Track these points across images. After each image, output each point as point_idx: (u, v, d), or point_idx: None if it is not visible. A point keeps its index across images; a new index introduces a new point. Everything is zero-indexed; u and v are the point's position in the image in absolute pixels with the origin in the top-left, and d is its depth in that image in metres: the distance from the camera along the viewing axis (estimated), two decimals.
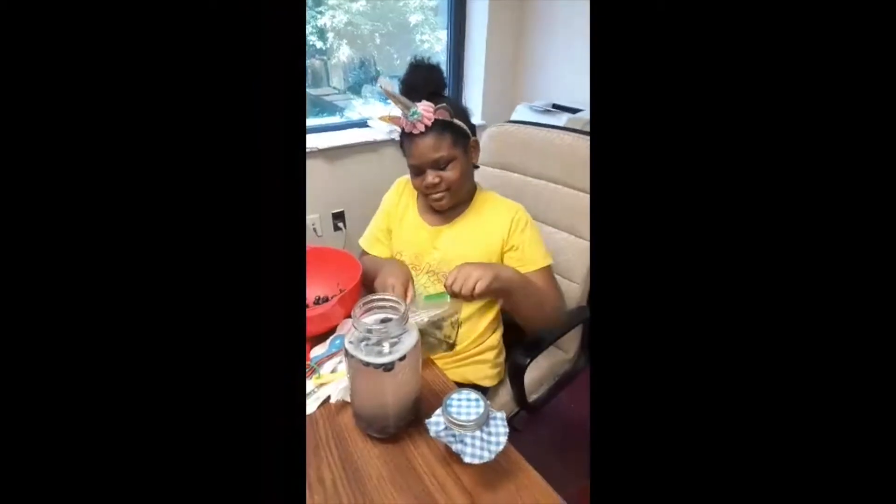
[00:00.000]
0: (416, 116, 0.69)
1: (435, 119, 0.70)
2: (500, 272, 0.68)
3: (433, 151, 0.72)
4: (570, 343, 0.98)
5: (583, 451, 0.52)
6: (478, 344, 0.83)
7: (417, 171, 0.77)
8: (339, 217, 1.85)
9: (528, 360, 0.79)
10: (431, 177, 0.75)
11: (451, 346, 0.83)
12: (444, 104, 0.72)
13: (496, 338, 0.85)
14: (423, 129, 0.70)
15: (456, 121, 0.74)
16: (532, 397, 0.87)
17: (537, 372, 0.93)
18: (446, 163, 0.74)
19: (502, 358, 0.88)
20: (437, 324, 0.72)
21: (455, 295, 0.64)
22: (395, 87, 0.72)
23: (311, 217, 1.76)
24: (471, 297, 0.63)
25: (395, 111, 0.73)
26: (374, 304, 0.55)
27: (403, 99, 0.70)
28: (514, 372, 0.80)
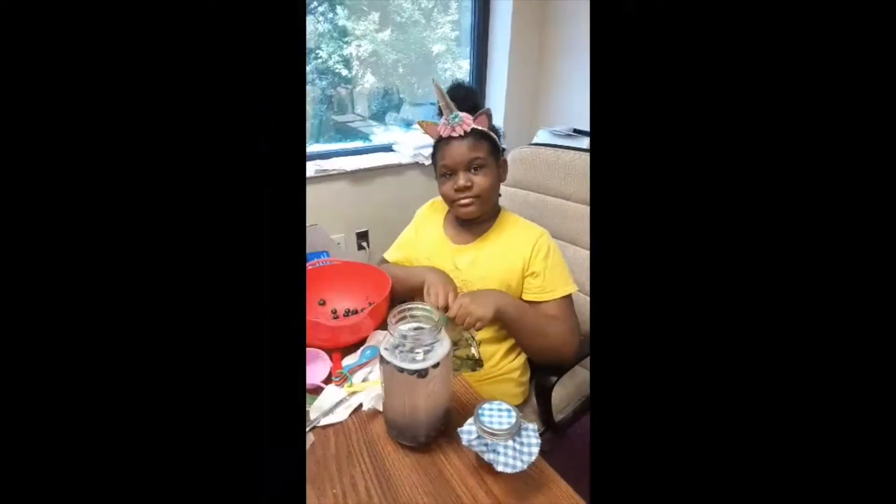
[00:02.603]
0: (457, 120, 0.73)
1: (473, 128, 0.74)
2: (500, 304, 0.68)
3: (470, 151, 0.75)
4: None
5: None
6: (502, 364, 0.83)
7: (449, 175, 0.78)
8: (363, 237, 1.89)
9: (555, 379, 0.78)
10: (464, 179, 0.75)
11: (478, 365, 0.82)
12: (485, 112, 0.76)
13: (521, 358, 0.85)
14: (461, 133, 0.74)
15: (492, 133, 0.77)
16: (558, 417, 0.86)
17: (563, 391, 0.92)
18: (480, 165, 0.76)
19: (527, 377, 0.87)
20: (455, 344, 0.71)
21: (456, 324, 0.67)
22: (443, 88, 0.76)
23: (336, 236, 1.81)
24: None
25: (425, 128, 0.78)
26: (408, 312, 0.56)
27: (450, 101, 0.75)
28: (541, 391, 0.79)
